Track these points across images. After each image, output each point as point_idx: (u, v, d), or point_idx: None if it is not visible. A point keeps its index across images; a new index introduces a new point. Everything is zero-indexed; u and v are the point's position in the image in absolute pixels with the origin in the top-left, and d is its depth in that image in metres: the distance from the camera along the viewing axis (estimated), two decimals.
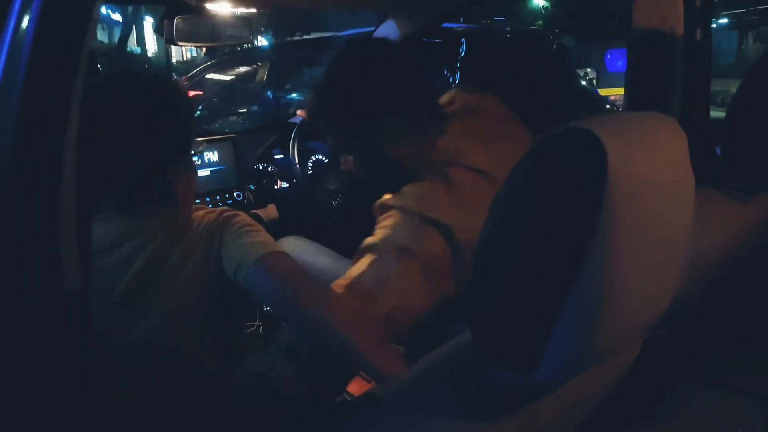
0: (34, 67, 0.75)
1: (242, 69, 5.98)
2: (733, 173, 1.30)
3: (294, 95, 5.07)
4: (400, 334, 1.35)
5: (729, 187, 1.27)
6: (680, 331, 1.24)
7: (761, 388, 1.20)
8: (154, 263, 1.26)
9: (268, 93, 5.01)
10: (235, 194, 2.21)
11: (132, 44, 11.92)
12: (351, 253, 1.42)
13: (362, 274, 1.30)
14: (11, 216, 0.76)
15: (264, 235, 1.32)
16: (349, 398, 1.32)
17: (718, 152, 1.47)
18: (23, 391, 0.79)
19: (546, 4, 17.53)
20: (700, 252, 1.20)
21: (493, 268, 0.76)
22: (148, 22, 18.17)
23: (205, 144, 2.15)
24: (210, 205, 2.11)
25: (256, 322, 1.98)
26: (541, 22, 17.01)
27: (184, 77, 6.07)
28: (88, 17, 0.78)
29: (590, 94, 4.82)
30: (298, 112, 2.32)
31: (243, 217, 1.36)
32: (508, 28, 6.00)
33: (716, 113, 1.77)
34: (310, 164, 2.40)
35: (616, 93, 6.43)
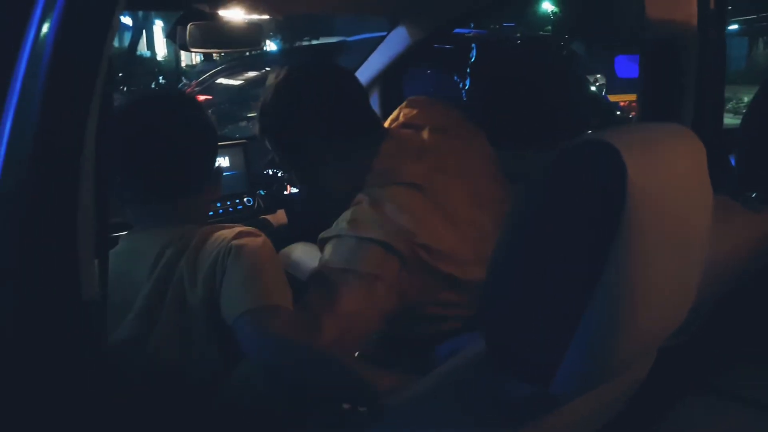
0: (54, 74, 0.76)
1: (252, 74, 6.00)
2: (747, 182, 1.30)
3: None
4: (352, 349, 1.37)
5: (743, 196, 1.27)
6: (693, 340, 1.23)
7: None
8: (164, 278, 1.26)
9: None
10: (245, 199, 2.21)
11: (142, 48, 11.96)
12: None
13: (304, 304, 1.30)
14: (30, 224, 0.76)
15: (268, 277, 1.25)
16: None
17: (732, 161, 1.47)
18: (39, 395, 0.79)
19: (555, 9, 17.53)
20: (713, 261, 1.19)
21: (510, 280, 0.75)
22: (158, 26, 18.26)
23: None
24: (221, 210, 2.12)
25: None
26: (550, 27, 17.01)
27: (194, 81, 6.11)
28: (107, 26, 0.78)
29: (600, 100, 4.81)
30: None
31: (253, 248, 1.28)
32: (518, 34, 6.00)
33: (727, 120, 1.76)
34: None
35: (626, 99, 6.41)
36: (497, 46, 4.27)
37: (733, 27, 16.21)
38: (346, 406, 1.31)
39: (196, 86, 5.70)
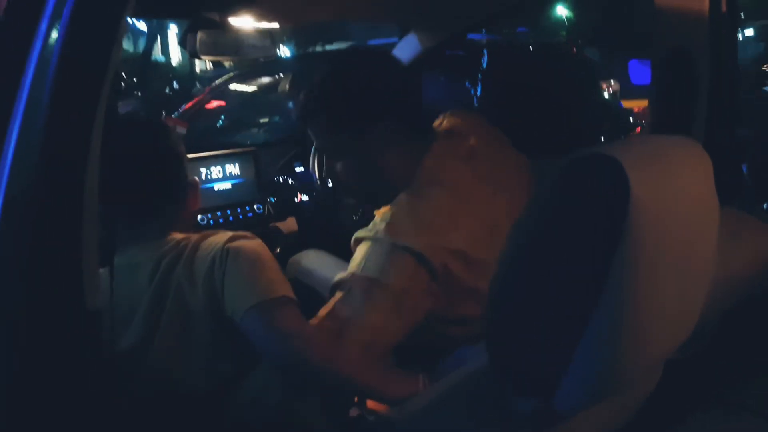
0: (60, 85, 0.76)
1: (265, 80, 6.00)
2: (760, 194, 1.28)
3: None
4: (381, 360, 1.33)
5: (756, 208, 1.25)
6: (702, 353, 1.22)
7: None
8: (163, 287, 1.28)
9: (290, 105, 5.02)
10: (255, 207, 2.21)
11: (156, 53, 12.05)
12: None
13: (330, 313, 1.29)
14: (35, 234, 0.76)
15: (269, 273, 1.29)
16: (363, 412, 1.31)
17: (744, 170, 1.46)
18: (45, 403, 0.79)
19: (569, 15, 17.47)
20: (726, 273, 1.18)
21: (513, 294, 0.75)
22: (173, 32, 18.37)
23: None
24: (231, 218, 2.13)
25: None
26: (564, 33, 16.96)
27: (207, 87, 6.13)
28: (113, 37, 0.78)
29: (613, 107, 4.79)
30: None
31: (251, 247, 1.32)
32: (531, 40, 5.99)
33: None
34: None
35: (640, 105, 6.38)
36: (509, 52, 4.26)
37: (750, 33, 16.10)
38: (353, 413, 1.31)
39: (209, 91, 5.72)
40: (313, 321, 1.27)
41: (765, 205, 1.26)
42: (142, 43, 13.55)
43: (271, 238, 2.23)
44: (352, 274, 1.32)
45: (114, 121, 0.91)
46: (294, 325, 1.23)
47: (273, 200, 2.28)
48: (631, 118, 5.08)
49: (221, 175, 2.17)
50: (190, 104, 5.46)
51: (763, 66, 10.59)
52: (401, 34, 2.37)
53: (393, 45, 2.39)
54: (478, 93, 3.68)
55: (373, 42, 5.17)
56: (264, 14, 1.79)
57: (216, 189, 2.15)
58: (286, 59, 10.23)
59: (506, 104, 3.37)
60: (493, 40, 4.77)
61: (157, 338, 1.27)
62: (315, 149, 2.41)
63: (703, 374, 1.28)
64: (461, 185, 1.40)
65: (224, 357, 1.30)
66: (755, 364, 1.28)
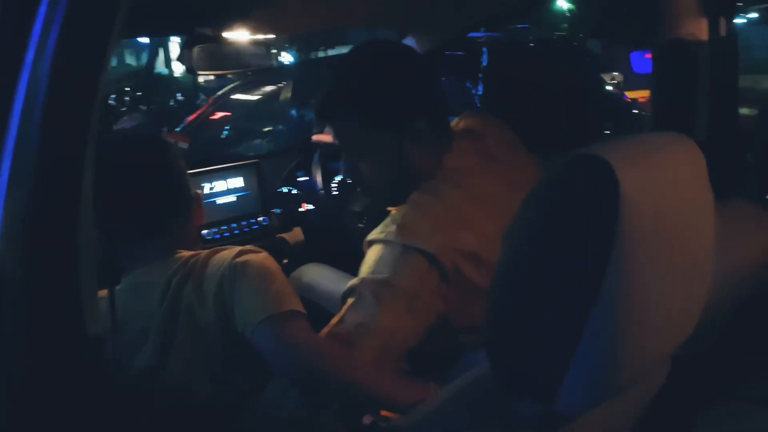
0: (51, 106, 0.76)
1: (268, 88, 6.01)
2: (765, 185, 1.27)
3: None
4: (393, 366, 1.32)
5: (762, 199, 1.24)
6: (715, 347, 1.21)
7: None
8: (174, 306, 1.29)
9: (293, 112, 5.03)
10: (260, 219, 2.20)
11: (160, 66, 12.09)
12: None
13: (341, 320, 1.27)
14: (32, 260, 0.76)
15: (277, 287, 1.29)
16: (377, 419, 1.30)
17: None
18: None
19: (571, 6, 17.37)
20: (732, 266, 1.17)
21: (511, 298, 0.75)
22: (175, 44, 18.43)
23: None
24: (236, 231, 2.12)
25: None
26: (566, 25, 16.88)
27: (210, 98, 6.14)
28: (101, 61, 0.78)
29: (616, 99, 4.76)
30: (314, 137, 2.30)
31: (258, 261, 1.32)
32: (531, 36, 5.97)
33: (750, 110, 1.72)
34: (335, 185, 2.39)
35: (644, 95, 6.35)
36: (509, 49, 4.24)
37: (754, 16, 15.99)
38: (367, 420, 1.30)
39: (212, 103, 5.73)
40: (325, 330, 1.26)
41: None
42: (145, 57, 13.60)
43: (277, 249, 2.22)
44: (362, 279, 1.30)
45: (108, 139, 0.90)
46: (303, 337, 1.22)
47: (278, 211, 2.28)
48: (635, 110, 5.06)
49: (225, 189, 2.17)
50: (193, 116, 5.47)
51: None
52: (399, 39, 2.36)
53: None
54: (479, 92, 3.67)
55: None
56: (258, 26, 1.79)
57: (220, 203, 2.14)
58: (289, 66, 10.23)
59: (508, 102, 3.36)
60: (494, 37, 4.75)
61: (171, 357, 1.27)
62: (318, 156, 2.40)
63: (715, 368, 1.27)
64: (477, 185, 1.38)
65: (237, 371, 1.31)
66: (762, 357, 1.27)
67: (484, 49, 3.76)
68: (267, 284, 1.27)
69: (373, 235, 1.36)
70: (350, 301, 1.29)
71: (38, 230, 0.76)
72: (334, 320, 1.28)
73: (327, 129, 2.14)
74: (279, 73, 6.61)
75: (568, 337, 0.69)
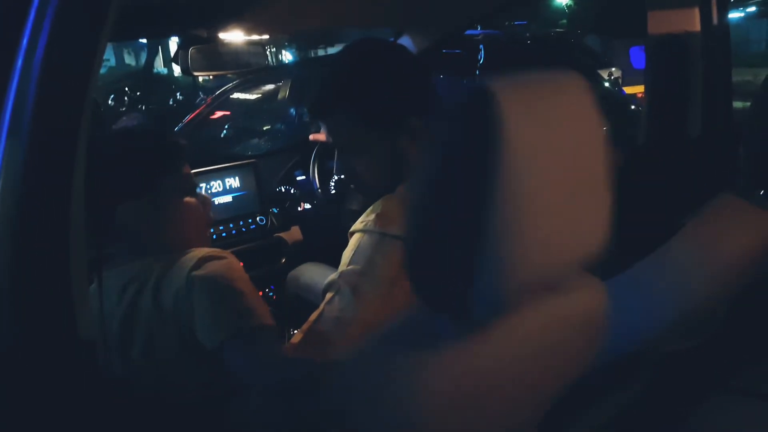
0: (40, 111, 0.76)
1: (268, 87, 6.01)
2: (755, 179, 1.27)
3: None
4: None
5: (753, 194, 1.24)
6: (712, 340, 1.22)
7: None
8: (130, 315, 1.25)
9: (291, 111, 5.03)
10: (258, 219, 2.21)
11: (159, 65, 12.08)
12: None
13: (320, 316, 1.27)
14: (21, 264, 0.77)
15: (238, 301, 1.23)
16: None
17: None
18: None
19: (570, 2, 17.31)
20: (726, 261, 1.18)
21: (421, 219, 0.81)
22: (174, 43, 18.30)
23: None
24: (234, 231, 2.13)
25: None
26: (565, 21, 16.83)
27: (209, 97, 6.14)
28: (91, 62, 0.79)
29: (614, 96, 4.76)
30: (311, 136, 2.30)
31: (218, 273, 1.25)
32: (528, 34, 5.96)
33: (746, 103, 1.73)
34: (333, 184, 2.39)
35: (642, 90, 6.32)
36: (506, 46, 4.24)
37: (752, 9, 15.96)
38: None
39: (211, 102, 5.73)
40: (304, 326, 1.25)
41: (762, 191, 1.24)
42: (144, 57, 13.59)
43: (275, 249, 2.23)
44: (341, 273, 1.30)
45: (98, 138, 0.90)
46: (270, 353, 1.20)
47: (276, 211, 2.28)
48: (633, 107, 5.05)
49: (221, 189, 2.17)
50: (192, 115, 5.47)
51: None
52: (395, 37, 2.36)
53: None
54: None
55: None
56: (253, 27, 1.79)
57: (217, 203, 2.14)
58: (289, 64, 10.20)
59: None
60: (492, 34, 4.75)
61: (131, 369, 1.24)
62: (315, 155, 2.40)
63: (714, 362, 1.28)
64: None
65: (197, 381, 1.29)
66: (760, 349, 1.28)
67: (481, 47, 3.76)
68: (227, 300, 1.22)
69: (355, 226, 1.37)
70: (328, 296, 1.29)
71: (29, 232, 0.76)
72: (313, 316, 1.28)
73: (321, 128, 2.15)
74: (279, 71, 6.60)
75: (467, 252, 0.74)
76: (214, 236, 2.09)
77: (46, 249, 0.78)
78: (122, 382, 1.25)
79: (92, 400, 0.83)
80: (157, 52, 12.17)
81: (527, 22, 11.18)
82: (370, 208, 1.37)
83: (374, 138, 1.39)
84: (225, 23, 1.72)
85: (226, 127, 5.75)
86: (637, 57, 7.18)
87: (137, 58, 17.80)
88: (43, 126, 0.77)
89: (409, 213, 0.82)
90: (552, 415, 1.24)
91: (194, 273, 1.22)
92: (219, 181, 2.17)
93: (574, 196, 0.78)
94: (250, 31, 1.81)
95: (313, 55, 15.86)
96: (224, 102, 5.72)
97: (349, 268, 1.29)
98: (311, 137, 2.28)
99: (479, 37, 4.04)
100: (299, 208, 2.35)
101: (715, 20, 1.70)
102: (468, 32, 4.08)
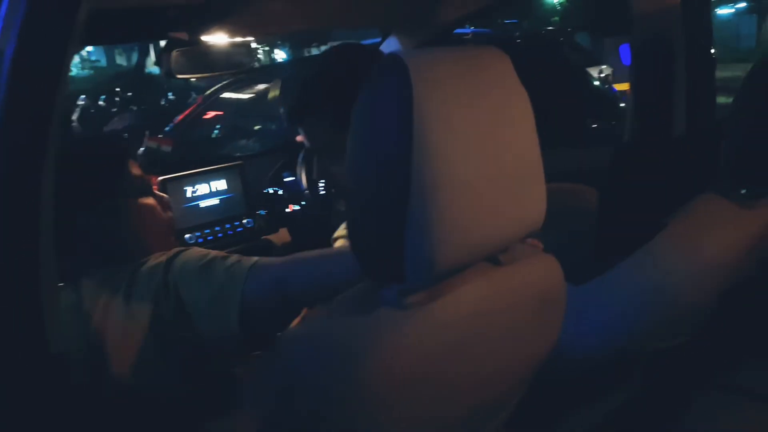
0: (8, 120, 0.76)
1: (260, 86, 5.98)
2: (737, 178, 1.27)
3: None
4: None
5: (735, 193, 1.24)
6: (696, 338, 1.23)
7: None
8: (119, 314, 1.20)
9: (282, 110, 5.00)
10: (245, 221, 2.20)
11: (150, 65, 12.00)
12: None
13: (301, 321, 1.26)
14: None
15: (227, 258, 1.20)
16: None
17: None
18: None
19: (562, 0, 17.26)
20: (710, 260, 1.18)
21: (356, 195, 0.83)
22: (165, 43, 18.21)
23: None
24: (220, 234, 2.12)
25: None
26: (557, 18, 16.80)
27: (199, 97, 6.11)
28: (60, 65, 0.78)
29: (603, 94, 4.75)
30: (298, 138, 2.28)
31: (191, 254, 1.22)
32: (517, 33, 5.95)
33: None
34: (321, 185, 2.38)
35: None
36: (495, 45, 4.22)
37: (742, 5, 16.00)
38: None
39: (202, 102, 5.70)
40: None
41: (743, 190, 1.24)
42: (135, 57, 13.53)
43: (263, 251, 2.22)
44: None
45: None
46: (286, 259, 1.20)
47: (263, 213, 2.27)
48: (622, 105, 5.05)
49: (208, 192, 2.16)
50: (182, 115, 5.44)
51: None
52: (382, 38, 2.35)
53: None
54: None
55: (366, 42, 5.15)
56: (236, 29, 1.78)
57: (203, 206, 2.14)
58: (281, 63, 10.15)
59: None
60: (482, 33, 4.74)
61: (107, 375, 1.18)
62: (303, 157, 2.39)
63: (701, 360, 1.28)
64: None
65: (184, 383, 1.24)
66: (750, 348, 1.28)
67: None
68: (217, 266, 1.18)
69: (338, 232, 1.36)
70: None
71: None
72: (294, 323, 1.26)
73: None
74: (271, 70, 6.57)
75: (397, 223, 0.76)
76: (201, 239, 2.08)
77: (15, 260, 0.77)
78: (95, 391, 1.22)
79: (64, 412, 0.83)
80: (148, 53, 12.10)
81: (518, 21, 11.16)
82: None
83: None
84: (207, 26, 1.70)
85: (218, 127, 5.72)
86: (627, 54, 7.19)
87: (128, 58, 17.74)
88: (11, 132, 0.76)
89: (348, 186, 0.85)
90: (541, 415, 1.24)
91: (169, 275, 1.18)
92: (205, 184, 2.16)
93: (501, 166, 0.80)
94: (233, 33, 1.80)
95: (307, 53, 15.82)
96: (216, 102, 5.69)
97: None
98: (299, 138, 2.27)
99: (468, 36, 4.03)
100: (287, 210, 2.34)
101: (698, 20, 1.70)
102: (456, 31, 4.07)
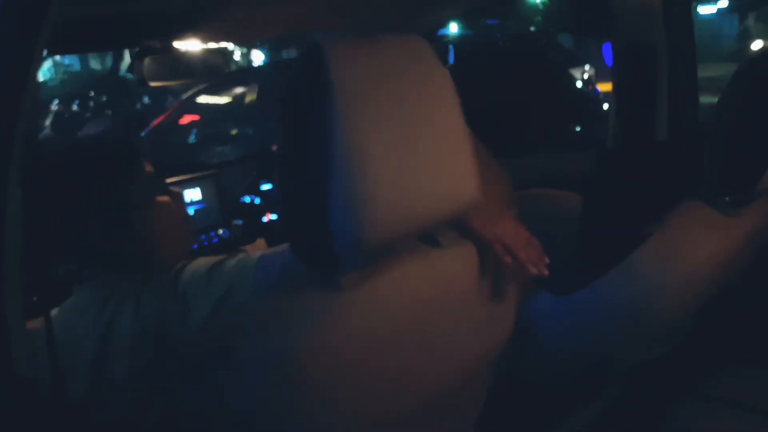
0: None
1: (238, 90, 5.94)
2: (720, 185, 1.26)
3: None
4: None
5: (717, 201, 1.23)
6: (679, 347, 1.25)
7: (760, 401, 1.22)
8: (107, 335, 1.13)
9: (260, 116, 4.97)
10: (220, 232, 2.15)
11: (125, 69, 11.90)
12: None
13: None
14: None
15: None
16: None
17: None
18: None
19: (545, 0, 17.28)
20: (692, 270, 1.17)
21: (287, 185, 0.86)
22: None
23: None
24: (195, 246, 2.05)
25: None
26: (540, 18, 16.83)
27: (175, 102, 6.07)
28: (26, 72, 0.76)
29: (586, 95, 4.76)
30: (274, 148, 2.25)
31: (198, 264, 1.16)
32: (499, 35, 5.96)
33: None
34: None
35: None
36: (477, 48, 4.22)
37: (723, 5, 16.17)
38: None
39: (178, 106, 5.65)
40: None
41: (727, 198, 1.22)
42: (109, 60, 13.44)
43: None
44: None
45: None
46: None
47: (240, 223, 2.21)
48: (605, 106, 5.07)
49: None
50: (158, 120, 5.38)
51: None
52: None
53: None
54: None
55: None
56: (210, 36, 1.74)
57: None
58: (259, 67, 10.12)
59: (471, 103, 3.34)
60: (463, 34, 4.74)
61: (106, 388, 1.13)
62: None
63: (682, 368, 1.28)
64: None
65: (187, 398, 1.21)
66: (733, 356, 1.29)
67: (450, 47, 3.72)
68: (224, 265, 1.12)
69: None
70: None
71: None
72: None
73: None
74: (250, 73, 6.55)
75: (321, 202, 0.78)
76: None
77: None
78: (84, 407, 1.17)
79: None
80: (122, 57, 12.00)
81: (500, 22, 11.19)
82: None
83: None
84: (179, 33, 1.67)
85: (194, 132, 5.66)
86: (610, 54, 7.23)
87: (103, 62, 17.59)
88: None
89: (280, 174, 0.88)
90: (521, 423, 1.24)
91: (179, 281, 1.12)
92: None
93: (424, 143, 0.81)
94: (207, 39, 1.76)
95: (285, 56, 15.76)
96: (193, 106, 5.65)
97: None
98: (274, 148, 2.24)
99: (449, 38, 4.02)
100: (264, 220, 2.29)
101: (679, 21, 1.69)
102: (441, 32, 4.06)
